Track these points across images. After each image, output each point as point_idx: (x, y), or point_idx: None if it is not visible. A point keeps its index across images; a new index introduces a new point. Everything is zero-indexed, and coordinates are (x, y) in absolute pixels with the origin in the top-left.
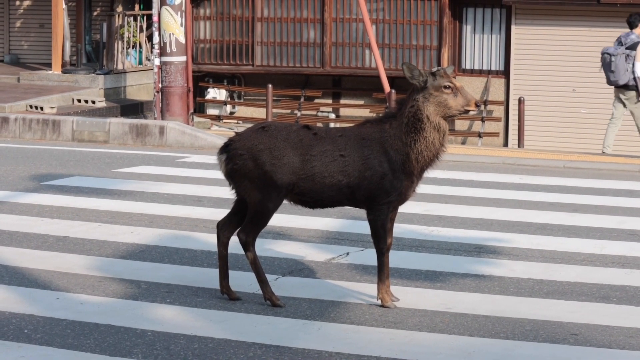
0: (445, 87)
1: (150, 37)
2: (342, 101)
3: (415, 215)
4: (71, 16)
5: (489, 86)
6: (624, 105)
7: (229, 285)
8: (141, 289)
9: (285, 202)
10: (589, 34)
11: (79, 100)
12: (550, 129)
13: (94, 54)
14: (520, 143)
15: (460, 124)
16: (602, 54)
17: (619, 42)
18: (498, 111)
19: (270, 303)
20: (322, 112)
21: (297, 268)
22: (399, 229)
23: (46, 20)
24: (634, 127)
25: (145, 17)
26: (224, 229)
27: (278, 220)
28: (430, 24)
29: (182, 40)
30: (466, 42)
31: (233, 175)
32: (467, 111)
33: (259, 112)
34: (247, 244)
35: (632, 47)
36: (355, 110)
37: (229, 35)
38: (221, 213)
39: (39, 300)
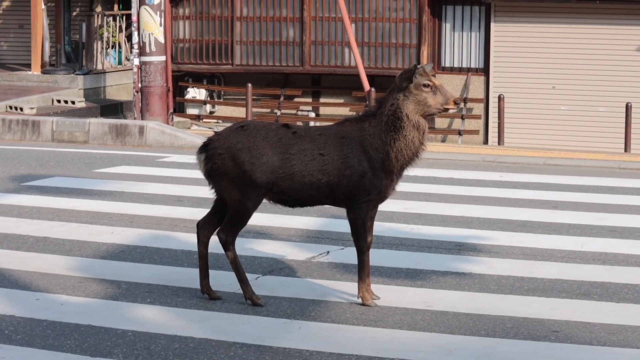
0: (425, 85)
1: (129, 37)
2: (322, 100)
3: (395, 214)
4: (50, 16)
5: (469, 84)
6: None
7: (209, 285)
8: (122, 289)
9: (264, 201)
10: (568, 31)
11: (59, 101)
12: (530, 126)
13: (73, 54)
14: (500, 140)
15: (440, 122)
16: None
17: None
18: (478, 109)
19: (250, 302)
20: (301, 111)
21: (278, 267)
22: (379, 227)
23: (25, 20)
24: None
25: (124, 17)
26: (204, 228)
27: (258, 219)
28: (409, 21)
29: (162, 40)
30: (446, 39)
31: (212, 175)
32: (446, 109)
33: (238, 112)
34: (227, 243)
35: None
36: (335, 108)
37: (208, 34)
38: (201, 212)
39: (20, 301)
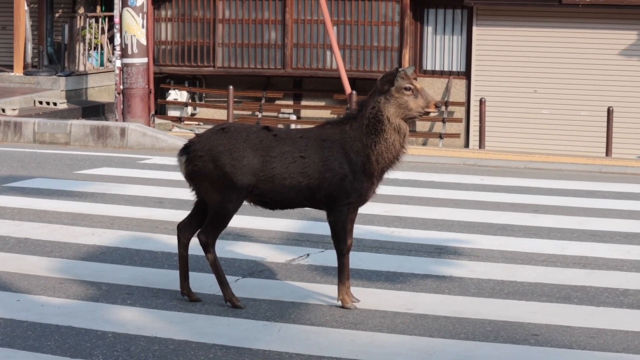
0: (406, 88)
1: (111, 39)
2: (303, 102)
3: (375, 216)
4: (33, 18)
5: (450, 87)
6: None
7: (189, 287)
8: (102, 290)
9: (245, 203)
10: (550, 34)
11: (41, 102)
12: (511, 130)
13: (55, 56)
14: (481, 144)
15: (421, 125)
16: None
17: None
18: (459, 112)
19: (230, 304)
20: (283, 113)
21: (258, 269)
22: (359, 230)
23: (8, 21)
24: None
25: (106, 19)
26: (184, 230)
27: (238, 221)
28: (391, 25)
29: (144, 41)
30: (427, 43)
31: (193, 177)
32: (427, 113)
33: (220, 114)
34: (207, 246)
35: None
36: (316, 111)
37: (190, 36)
38: (182, 214)
39: (0, 302)
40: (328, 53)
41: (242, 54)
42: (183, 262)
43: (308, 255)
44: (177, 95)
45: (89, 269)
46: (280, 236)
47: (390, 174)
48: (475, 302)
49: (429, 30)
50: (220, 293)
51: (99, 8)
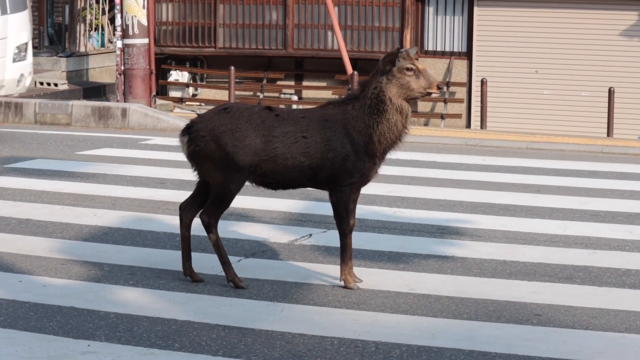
0: (408, 69)
1: (112, 20)
2: (305, 83)
3: (378, 197)
4: None
5: (452, 68)
6: None
7: (192, 267)
8: (104, 271)
9: (247, 183)
10: (551, 15)
11: (42, 83)
12: (512, 110)
13: (56, 37)
14: (482, 124)
15: (423, 106)
16: None
17: None
18: (460, 93)
19: (233, 285)
20: (284, 94)
21: (260, 250)
22: (362, 210)
23: None
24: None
25: (107, 0)
26: (186, 210)
27: (240, 202)
28: (392, 5)
29: (145, 22)
30: (429, 23)
31: (195, 157)
32: (429, 93)
33: (221, 95)
34: (210, 226)
35: None
36: (318, 92)
37: (191, 17)
38: (184, 195)
39: (2, 283)
40: (329, 33)
41: (243, 35)
42: (185, 243)
43: (310, 235)
44: (178, 76)
45: (91, 250)
46: (283, 216)
47: (392, 154)
48: (477, 282)
49: (430, 10)
50: (223, 273)
51: None
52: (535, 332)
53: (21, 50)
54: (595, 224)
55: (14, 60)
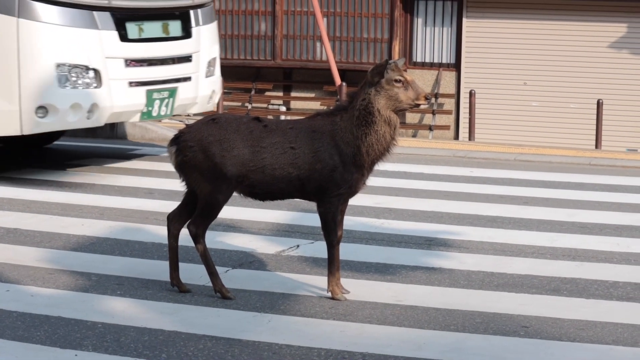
0: (396, 80)
1: None
2: (293, 94)
3: (365, 208)
4: None
5: (440, 79)
6: None
7: (179, 278)
8: (92, 281)
9: (235, 194)
10: (540, 27)
11: None
12: (501, 122)
13: None
14: (471, 136)
15: (411, 117)
16: None
17: None
18: (449, 104)
19: (220, 295)
20: (272, 104)
21: (248, 260)
22: (350, 221)
23: None
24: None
25: None
26: (174, 221)
27: (228, 212)
28: (381, 16)
29: None
30: (417, 35)
31: (183, 168)
32: (417, 105)
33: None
34: (197, 236)
35: None
36: (306, 103)
37: None
38: (171, 205)
39: None
40: (318, 44)
41: (231, 45)
42: (173, 253)
43: (298, 246)
44: None
45: (78, 260)
46: (270, 227)
47: (380, 166)
48: (465, 293)
49: (418, 22)
50: (210, 284)
51: None
52: (523, 344)
53: (211, 64)
54: (583, 236)
55: (206, 76)
